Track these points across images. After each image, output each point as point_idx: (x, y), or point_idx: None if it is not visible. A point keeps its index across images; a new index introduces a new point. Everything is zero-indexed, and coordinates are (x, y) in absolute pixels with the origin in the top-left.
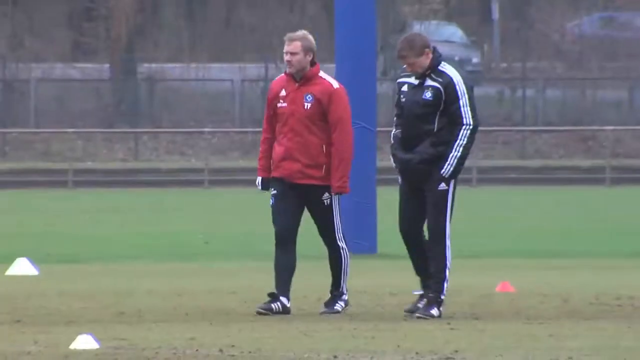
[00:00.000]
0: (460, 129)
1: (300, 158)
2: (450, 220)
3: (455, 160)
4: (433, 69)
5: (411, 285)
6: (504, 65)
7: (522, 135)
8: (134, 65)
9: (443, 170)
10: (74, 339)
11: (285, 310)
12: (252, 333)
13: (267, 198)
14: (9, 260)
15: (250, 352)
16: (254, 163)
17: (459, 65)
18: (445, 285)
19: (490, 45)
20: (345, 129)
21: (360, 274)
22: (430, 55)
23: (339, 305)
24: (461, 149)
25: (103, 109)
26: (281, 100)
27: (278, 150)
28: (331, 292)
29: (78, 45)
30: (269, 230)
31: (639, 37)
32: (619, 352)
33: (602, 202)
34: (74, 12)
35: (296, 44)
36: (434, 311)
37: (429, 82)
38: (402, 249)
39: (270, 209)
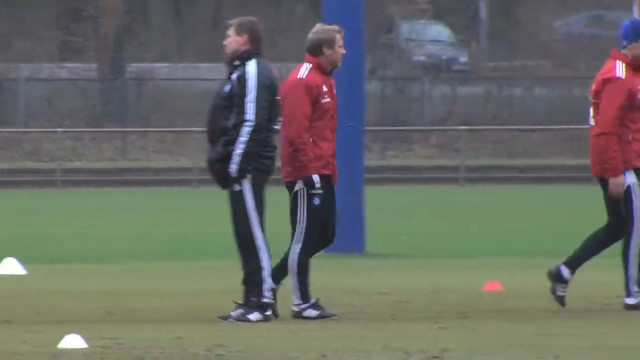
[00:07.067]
0: (243, 125)
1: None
2: (257, 222)
3: (237, 158)
4: (241, 62)
5: (399, 283)
6: (492, 64)
7: (509, 134)
8: (122, 64)
9: (229, 168)
10: (63, 338)
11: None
12: (240, 332)
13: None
14: None
15: (238, 351)
16: None
17: (446, 64)
18: (265, 287)
19: (478, 44)
20: None
21: (348, 273)
22: (247, 44)
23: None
24: (242, 145)
25: (91, 108)
26: (325, 96)
27: (327, 146)
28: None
29: (66, 45)
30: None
31: None
32: (608, 351)
33: (589, 201)
34: (62, 12)
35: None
36: (253, 316)
37: (233, 75)
38: (391, 247)
39: (314, 208)
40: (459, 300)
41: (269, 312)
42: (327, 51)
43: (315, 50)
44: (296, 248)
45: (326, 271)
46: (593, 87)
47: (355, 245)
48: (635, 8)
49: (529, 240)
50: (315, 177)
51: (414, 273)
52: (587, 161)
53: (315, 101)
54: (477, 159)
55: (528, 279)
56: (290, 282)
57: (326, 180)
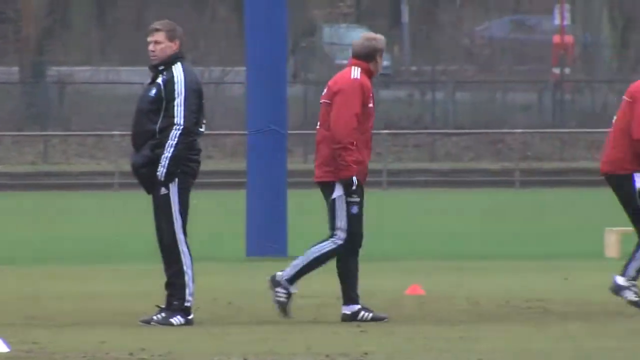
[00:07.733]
0: (172, 129)
1: None
2: (181, 225)
3: (167, 162)
4: (167, 67)
5: (322, 287)
6: (414, 68)
7: (432, 138)
8: (43, 68)
9: (158, 172)
10: None
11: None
12: (163, 336)
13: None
14: None
15: (160, 355)
16: None
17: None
18: (188, 291)
19: (400, 48)
20: None
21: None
22: (176, 49)
23: None
24: (171, 149)
25: (12, 112)
26: (370, 101)
27: (366, 153)
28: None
29: None
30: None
31: (548, 40)
32: (529, 354)
33: (512, 204)
34: None
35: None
36: (175, 319)
37: (159, 79)
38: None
39: (354, 216)
40: (381, 304)
41: (191, 316)
42: (378, 59)
43: (370, 56)
44: (331, 244)
45: (249, 274)
46: (631, 89)
47: (278, 249)
48: (556, 12)
49: (451, 244)
50: (355, 179)
51: (336, 276)
52: (509, 164)
53: (363, 103)
54: (400, 162)
55: (450, 283)
56: (299, 259)
57: (362, 188)
